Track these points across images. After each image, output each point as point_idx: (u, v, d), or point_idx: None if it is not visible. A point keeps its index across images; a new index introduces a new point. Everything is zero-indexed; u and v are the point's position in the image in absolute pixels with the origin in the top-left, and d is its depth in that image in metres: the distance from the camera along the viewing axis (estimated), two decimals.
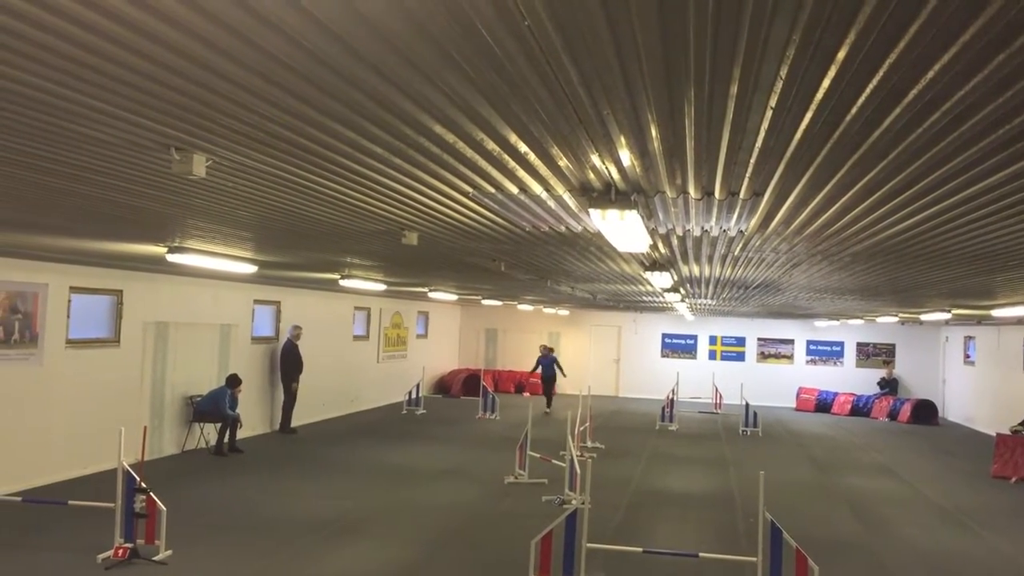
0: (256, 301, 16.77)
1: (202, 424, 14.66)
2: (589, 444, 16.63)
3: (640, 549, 8.64)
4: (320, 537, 9.30)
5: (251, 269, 10.77)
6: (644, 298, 16.97)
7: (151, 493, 8.09)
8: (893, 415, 25.28)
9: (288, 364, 17.22)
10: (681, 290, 13.54)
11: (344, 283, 13.08)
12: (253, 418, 16.29)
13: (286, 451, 15.24)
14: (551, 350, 24.01)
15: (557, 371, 23.37)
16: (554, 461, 13.24)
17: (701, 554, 8.53)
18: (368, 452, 15.25)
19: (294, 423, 17.41)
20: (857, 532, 10.81)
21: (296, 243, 8.06)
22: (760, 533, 7.64)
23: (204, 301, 14.96)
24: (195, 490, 11.36)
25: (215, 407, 14.27)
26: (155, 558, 8.01)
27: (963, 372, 25.44)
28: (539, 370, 23.54)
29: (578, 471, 10.37)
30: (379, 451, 15.42)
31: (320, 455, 14.75)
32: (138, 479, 8.06)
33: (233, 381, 14.68)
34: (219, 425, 14.32)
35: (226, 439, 14.29)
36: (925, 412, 24.92)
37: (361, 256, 9.49)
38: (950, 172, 3.64)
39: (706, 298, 15.72)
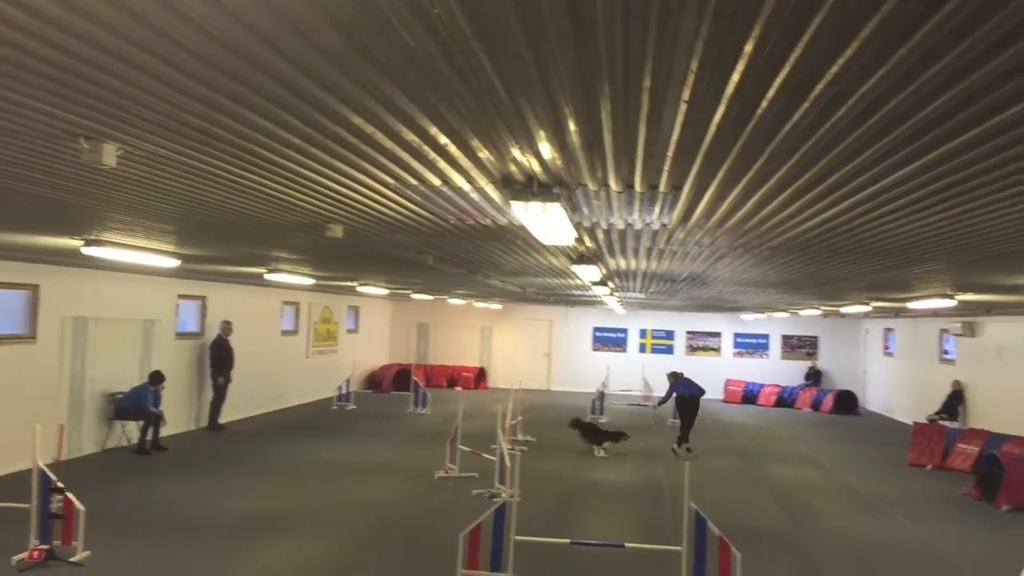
0: (181, 296, 16.41)
1: (124, 422, 14.29)
2: (520, 438, 16.68)
3: (567, 540, 8.72)
4: (246, 535, 9.15)
5: (173, 263, 10.53)
6: (574, 292, 17.08)
7: (68, 493, 7.87)
8: (816, 406, 25.95)
9: (218, 359, 16.92)
10: (610, 284, 13.66)
11: (270, 277, 12.89)
12: (178, 415, 15.95)
13: (213, 448, 14.96)
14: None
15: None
16: (484, 455, 13.25)
17: (627, 544, 8.62)
18: (297, 448, 15.06)
19: (222, 420, 17.11)
20: (780, 520, 11.06)
21: (219, 236, 7.90)
22: (684, 523, 7.75)
23: (126, 296, 14.58)
24: (116, 489, 11.07)
25: (137, 404, 13.93)
26: (72, 559, 7.79)
27: (883, 363, 26.22)
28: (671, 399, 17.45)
29: (508, 464, 10.40)
30: (308, 447, 15.24)
31: (248, 452, 14.52)
32: (54, 479, 7.84)
33: (156, 378, 14.35)
34: (142, 423, 13.99)
35: (149, 437, 13.96)
36: (846, 402, 25.66)
37: (287, 249, 9.36)
38: (859, 167, 3.73)
39: (635, 292, 15.89)
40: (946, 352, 21.25)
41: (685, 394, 16.98)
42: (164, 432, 14.49)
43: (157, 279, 15.17)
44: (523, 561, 8.05)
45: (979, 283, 9.68)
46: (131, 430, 14.29)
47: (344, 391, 21.89)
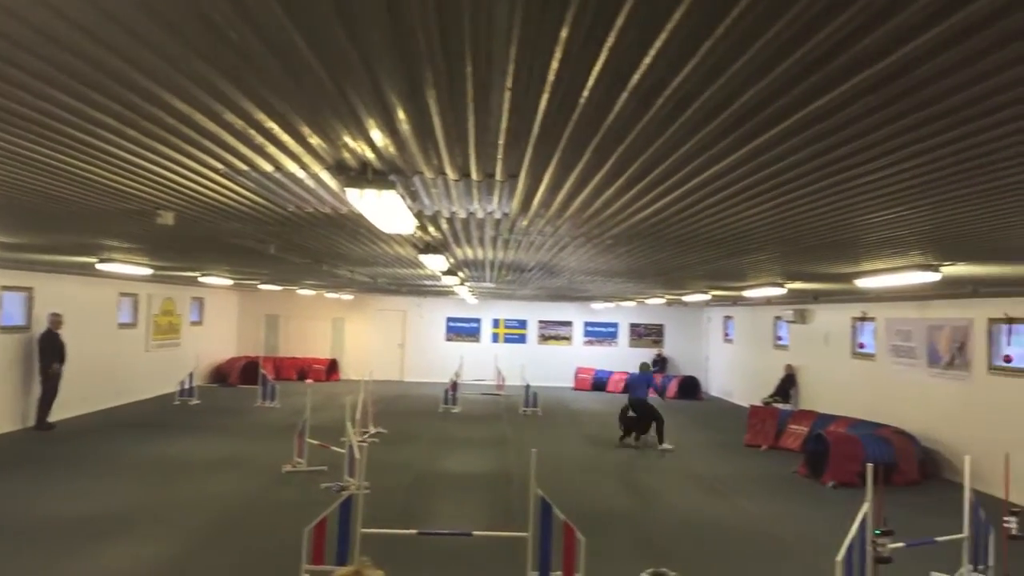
0: (4, 287, 15.35)
1: None
2: (372, 429, 16.50)
3: (415, 531, 8.68)
4: (79, 538, 8.65)
5: None
6: (425, 282, 17.01)
7: None
8: (661, 391, 26.85)
9: (47, 354, 15.93)
10: (460, 273, 13.66)
11: (103, 267, 12.20)
12: (2, 414, 14.93)
13: (41, 448, 14.06)
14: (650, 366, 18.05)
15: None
16: (333, 448, 13.02)
17: (475, 532, 8.67)
18: (134, 446, 14.37)
19: (52, 418, 16.12)
20: (624, 503, 11.38)
21: (38, 223, 7.41)
22: (531, 509, 7.85)
23: None
24: None
25: None
26: None
27: (723, 349, 27.41)
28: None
29: (357, 456, 10.27)
30: (147, 445, 14.56)
31: (81, 451, 13.74)
32: None
33: None
34: None
35: None
36: (690, 388, 26.70)
37: (117, 238, 8.89)
38: (683, 158, 3.84)
39: (486, 281, 15.97)
40: (780, 338, 22.41)
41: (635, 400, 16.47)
42: None
43: None
44: (370, 554, 7.94)
45: (804, 272, 10.24)
46: None
47: (187, 385, 21.08)
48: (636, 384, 16.73)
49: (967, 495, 8.20)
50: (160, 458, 13.36)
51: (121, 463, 12.88)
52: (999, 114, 2.93)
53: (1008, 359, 12.91)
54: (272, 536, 9.07)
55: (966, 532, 8.31)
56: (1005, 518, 8.08)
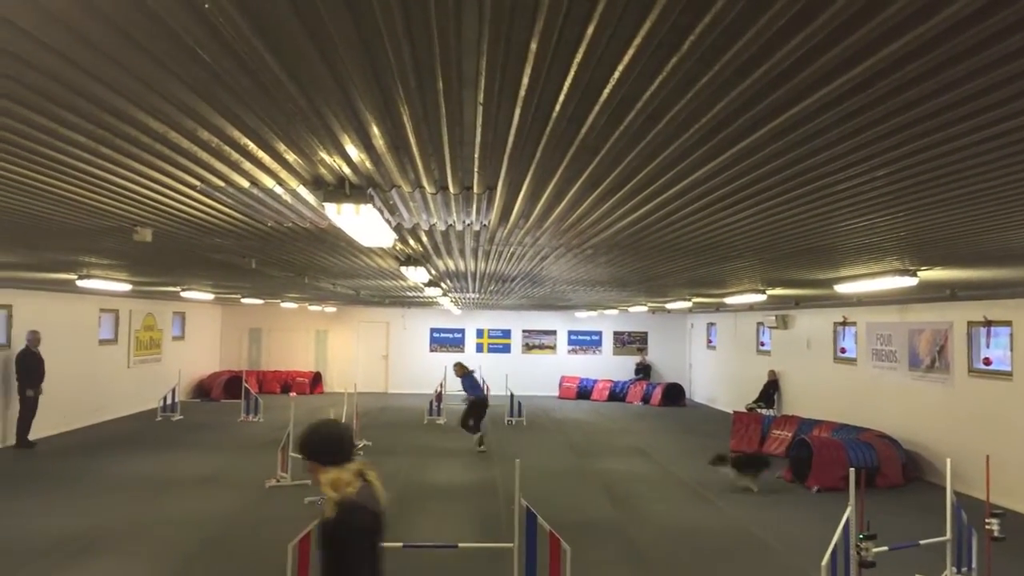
0: None
1: None
2: (357, 442, 16.43)
3: (400, 544, 8.65)
4: (58, 558, 8.57)
5: None
6: (408, 293, 16.99)
7: None
8: (646, 399, 26.90)
9: (25, 372, 15.78)
10: (442, 284, 13.66)
11: (83, 284, 12.13)
12: None
13: (21, 467, 13.95)
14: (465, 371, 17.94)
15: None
16: None
17: (460, 544, 8.65)
18: (116, 464, 14.25)
19: (32, 436, 15.97)
20: (610, 512, 11.38)
21: (13, 241, 7.36)
22: (516, 519, 7.84)
23: None
24: None
25: None
26: None
27: (706, 356, 27.48)
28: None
29: None
30: (128, 462, 14.45)
31: (60, 470, 13.62)
32: None
33: None
34: None
35: None
36: (674, 394, 26.72)
37: (96, 254, 8.83)
38: (659, 168, 3.86)
39: (470, 292, 15.96)
40: (763, 344, 22.50)
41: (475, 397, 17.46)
42: None
43: None
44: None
45: (784, 278, 10.29)
46: None
47: (169, 401, 20.95)
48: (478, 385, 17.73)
49: (949, 497, 8.25)
50: (143, 475, 13.26)
51: (104, 481, 12.78)
52: (964, 124, 2.97)
53: (988, 361, 13.02)
54: (257, 552, 9.02)
55: (949, 535, 8.35)
56: (987, 520, 8.13)
